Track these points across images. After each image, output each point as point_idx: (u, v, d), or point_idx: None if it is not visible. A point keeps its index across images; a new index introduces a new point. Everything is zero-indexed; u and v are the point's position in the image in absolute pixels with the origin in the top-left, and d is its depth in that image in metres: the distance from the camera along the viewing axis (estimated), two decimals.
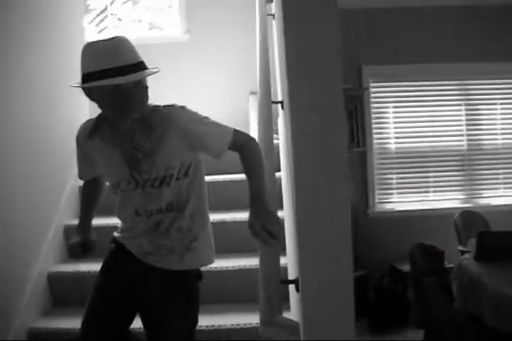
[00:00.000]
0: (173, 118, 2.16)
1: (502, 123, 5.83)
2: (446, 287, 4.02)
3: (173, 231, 2.26)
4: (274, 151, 2.71)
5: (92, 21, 6.04)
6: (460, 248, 4.73)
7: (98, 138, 2.23)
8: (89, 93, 2.10)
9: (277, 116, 3.39)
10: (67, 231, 3.86)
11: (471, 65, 5.61)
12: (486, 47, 5.57)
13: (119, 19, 6.15)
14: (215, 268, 3.40)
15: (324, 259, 1.68)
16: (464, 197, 5.82)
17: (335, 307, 1.67)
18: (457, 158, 5.81)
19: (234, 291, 3.48)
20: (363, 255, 4.62)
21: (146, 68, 2.09)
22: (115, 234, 2.42)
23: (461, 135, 5.80)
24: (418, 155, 5.78)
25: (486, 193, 5.84)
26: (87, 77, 2.05)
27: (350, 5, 4.84)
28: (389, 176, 5.80)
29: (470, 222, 4.98)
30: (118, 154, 2.20)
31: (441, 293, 3.92)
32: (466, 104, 5.79)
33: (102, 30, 6.03)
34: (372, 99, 5.70)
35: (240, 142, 2.24)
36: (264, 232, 1.96)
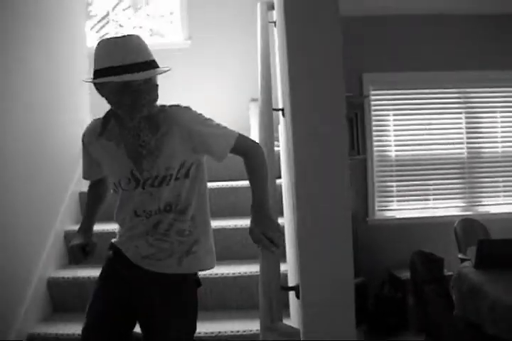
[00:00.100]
0: (178, 118, 2.18)
1: (502, 131, 5.83)
2: (446, 294, 4.02)
3: (172, 233, 2.26)
4: (275, 158, 2.71)
5: (93, 27, 6.07)
6: (460, 256, 4.73)
7: (104, 137, 2.25)
8: (100, 89, 2.13)
9: (278, 123, 3.40)
10: (68, 236, 3.85)
11: (471, 73, 5.62)
12: (486, 55, 5.59)
13: (120, 25, 6.18)
14: (215, 274, 3.40)
15: (325, 266, 1.68)
16: (463, 205, 5.82)
17: (336, 313, 1.67)
18: (457, 165, 5.81)
19: (234, 298, 3.47)
20: (362, 262, 4.62)
21: (157, 67, 2.12)
22: (113, 240, 2.43)
23: (461, 143, 5.80)
24: (418, 163, 5.78)
25: (485, 201, 5.84)
26: (98, 73, 2.07)
27: (350, 13, 4.85)
28: (389, 184, 5.80)
29: (470, 230, 4.98)
30: (123, 150, 2.22)
31: (441, 301, 3.92)
32: (466, 112, 5.80)
33: (102, 36, 6.05)
34: (373, 107, 5.70)
35: (244, 147, 2.26)
36: (265, 239, 2.01)
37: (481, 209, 5.80)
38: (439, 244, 5.05)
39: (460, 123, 5.80)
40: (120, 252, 2.35)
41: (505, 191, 5.85)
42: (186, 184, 2.24)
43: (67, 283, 3.58)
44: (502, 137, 5.84)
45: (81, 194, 4.17)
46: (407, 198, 5.81)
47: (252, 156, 2.26)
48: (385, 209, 5.77)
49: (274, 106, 3.02)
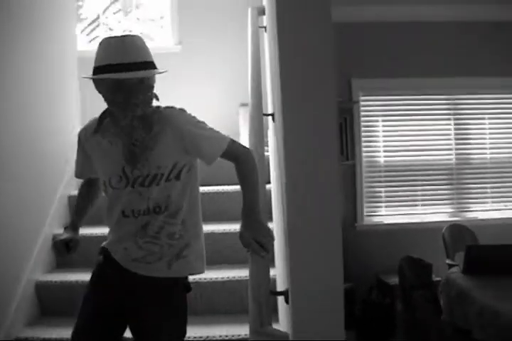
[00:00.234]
0: (172, 119, 2.21)
1: (490, 138, 5.86)
2: (434, 300, 4.03)
3: (163, 236, 2.26)
4: (264, 163, 2.72)
5: (83, 30, 6.06)
6: (448, 261, 4.74)
7: (99, 134, 2.28)
8: (98, 86, 2.17)
9: (268, 128, 3.41)
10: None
11: (460, 79, 5.65)
12: (475, 62, 5.62)
13: (110, 29, 6.17)
14: (204, 279, 3.39)
15: (314, 271, 1.69)
16: (452, 210, 5.84)
17: (325, 318, 1.68)
18: (446, 171, 5.83)
19: (223, 302, 3.47)
20: (350, 268, 4.63)
21: (154, 68, 2.15)
22: (103, 244, 2.42)
23: (450, 149, 5.82)
24: (407, 169, 5.79)
25: (474, 207, 5.86)
26: (97, 70, 2.12)
27: (340, 19, 4.86)
28: (377, 189, 5.82)
29: (458, 236, 4.99)
30: (116, 148, 2.24)
31: (429, 306, 3.93)
32: (454, 119, 5.82)
33: (92, 39, 6.05)
34: (362, 113, 5.71)
35: (235, 152, 2.27)
36: (255, 243, 2.02)
37: (469, 215, 5.82)
38: (427, 249, 5.06)
39: (449, 129, 5.82)
40: (110, 256, 2.34)
41: (493, 197, 5.88)
42: (177, 186, 2.24)
43: (55, 286, 3.56)
44: (490, 143, 5.87)
45: (70, 197, 4.15)
46: (395, 204, 5.82)
47: (243, 161, 2.27)
48: (373, 215, 5.78)
49: (264, 111, 3.03)
